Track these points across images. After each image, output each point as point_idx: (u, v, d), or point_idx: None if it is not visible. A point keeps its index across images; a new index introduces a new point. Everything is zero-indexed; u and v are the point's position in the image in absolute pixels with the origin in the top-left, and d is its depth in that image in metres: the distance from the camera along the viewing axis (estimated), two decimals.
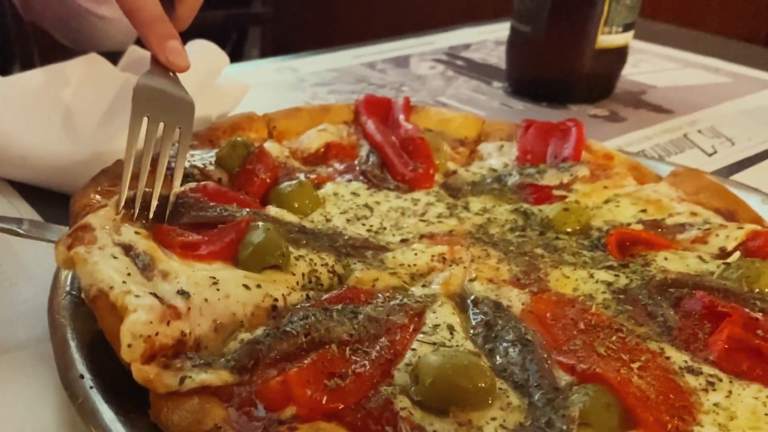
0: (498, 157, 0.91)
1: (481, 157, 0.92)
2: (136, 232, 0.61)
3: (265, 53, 3.01)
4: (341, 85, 1.35)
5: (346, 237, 0.71)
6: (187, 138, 0.70)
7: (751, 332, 0.58)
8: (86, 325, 0.59)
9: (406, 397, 0.51)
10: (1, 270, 0.72)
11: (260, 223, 0.65)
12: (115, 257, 0.57)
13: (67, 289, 0.63)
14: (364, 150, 0.88)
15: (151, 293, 0.54)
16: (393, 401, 0.50)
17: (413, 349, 0.56)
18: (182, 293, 0.55)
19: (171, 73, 0.75)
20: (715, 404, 0.53)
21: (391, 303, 0.60)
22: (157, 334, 0.51)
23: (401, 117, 0.93)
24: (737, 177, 1.01)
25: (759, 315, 0.60)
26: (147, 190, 0.66)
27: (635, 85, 1.41)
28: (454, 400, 0.50)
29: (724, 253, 0.72)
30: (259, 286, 0.60)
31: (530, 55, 1.30)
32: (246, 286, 0.59)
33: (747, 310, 0.61)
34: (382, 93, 1.29)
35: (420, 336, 0.57)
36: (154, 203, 0.66)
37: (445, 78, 1.42)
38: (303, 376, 0.49)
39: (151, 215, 0.65)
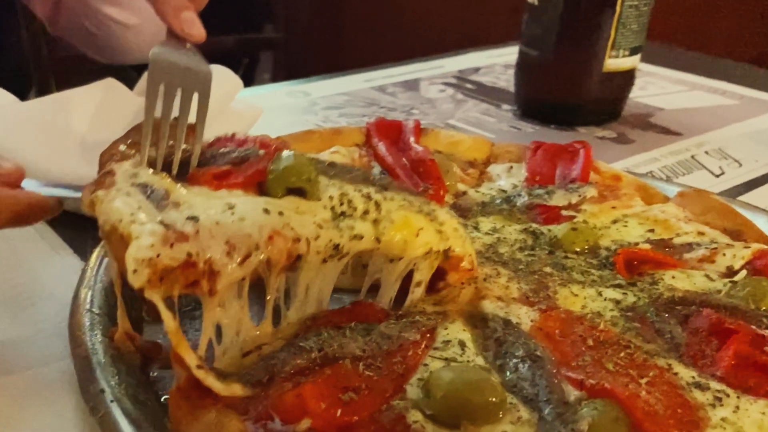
0: (507, 178, 0.92)
1: (490, 179, 0.94)
2: (154, 173, 0.60)
3: (276, 78, 3.04)
4: (352, 108, 1.38)
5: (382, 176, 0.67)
6: (205, 102, 0.68)
7: (757, 349, 0.59)
8: (104, 341, 0.60)
9: (418, 411, 0.52)
10: (21, 290, 0.74)
11: (292, 151, 0.62)
12: (129, 194, 0.56)
13: (87, 306, 0.64)
14: (375, 172, 0.90)
15: (159, 221, 0.52)
16: (405, 415, 0.51)
17: (425, 365, 0.57)
18: (191, 218, 0.53)
19: (187, 45, 0.75)
20: (723, 419, 0.53)
21: (404, 320, 0.62)
22: (158, 255, 0.50)
23: (411, 139, 0.95)
24: (745, 198, 1.02)
25: (766, 332, 0.61)
26: (170, 143, 0.64)
27: (643, 108, 1.42)
28: (465, 413, 0.51)
29: (730, 272, 0.73)
30: (281, 213, 0.56)
31: (538, 79, 1.32)
32: (266, 211, 0.56)
33: (754, 327, 0.61)
34: (393, 116, 1.31)
35: (431, 352, 0.59)
36: (177, 157, 0.63)
37: (454, 101, 1.45)
38: (318, 390, 0.51)
39: (174, 170, 0.62)
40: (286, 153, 0.61)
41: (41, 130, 0.92)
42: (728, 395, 0.56)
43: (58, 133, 0.92)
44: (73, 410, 0.59)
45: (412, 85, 1.53)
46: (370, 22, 3.50)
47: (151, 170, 0.60)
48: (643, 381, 0.55)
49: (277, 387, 0.52)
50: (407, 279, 0.66)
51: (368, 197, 0.62)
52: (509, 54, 1.65)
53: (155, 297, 0.50)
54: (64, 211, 0.88)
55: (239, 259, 0.53)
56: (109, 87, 1.07)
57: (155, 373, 0.61)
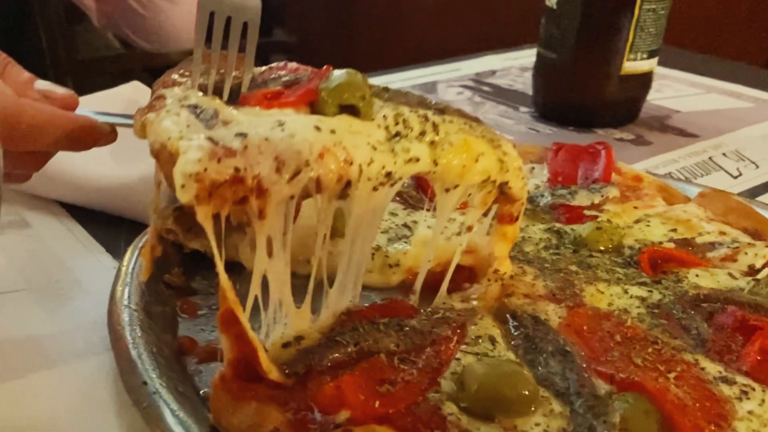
0: (529, 178, 0.94)
1: None
2: (204, 96, 0.59)
3: None
4: None
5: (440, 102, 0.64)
6: (255, 29, 0.65)
7: None
8: (143, 335, 0.62)
9: (453, 403, 0.54)
10: (59, 285, 0.76)
11: (344, 70, 0.59)
12: (178, 114, 0.55)
13: (125, 303, 0.66)
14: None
15: (207, 138, 0.51)
16: (441, 407, 0.53)
17: (457, 359, 0.58)
18: (240, 135, 0.51)
19: None
20: (749, 412, 0.55)
21: (435, 317, 0.63)
22: (205, 170, 0.49)
23: None
24: (763, 198, 1.03)
25: None
26: (221, 71, 0.62)
27: (660, 110, 1.43)
28: (499, 406, 0.53)
29: (753, 270, 0.74)
30: (333, 131, 0.53)
31: (557, 81, 1.33)
32: (317, 128, 0.53)
33: None
34: None
35: (463, 347, 0.60)
36: (228, 82, 0.61)
37: (472, 103, 1.46)
38: (356, 382, 0.52)
39: (225, 96, 0.60)
40: (338, 71, 0.59)
41: None
42: (754, 389, 0.57)
43: None
44: (111, 402, 0.61)
45: (429, 88, 1.54)
46: (382, 26, 3.51)
47: (201, 93, 0.59)
48: (672, 375, 0.57)
49: (315, 379, 0.54)
50: (436, 277, 0.67)
51: (425, 118, 0.59)
52: (525, 57, 1.67)
53: (204, 219, 0.49)
54: (96, 211, 0.90)
55: (288, 176, 0.51)
56: (135, 90, 1.09)
57: (192, 368, 0.62)
